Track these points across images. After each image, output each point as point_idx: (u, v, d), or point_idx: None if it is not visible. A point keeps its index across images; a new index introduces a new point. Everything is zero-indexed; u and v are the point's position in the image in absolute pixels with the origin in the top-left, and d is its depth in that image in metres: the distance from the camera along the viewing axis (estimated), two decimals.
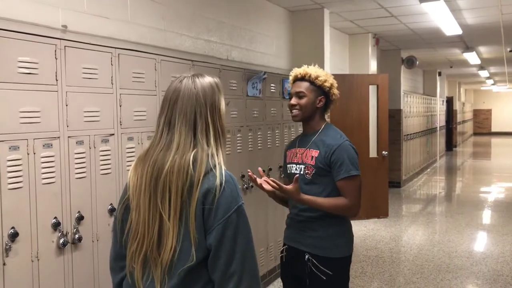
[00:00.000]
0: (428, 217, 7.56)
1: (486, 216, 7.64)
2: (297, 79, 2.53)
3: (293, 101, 2.49)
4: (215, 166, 1.48)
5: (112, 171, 2.78)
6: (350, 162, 2.38)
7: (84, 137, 2.61)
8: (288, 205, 2.60)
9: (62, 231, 2.47)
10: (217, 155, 1.52)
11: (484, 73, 15.13)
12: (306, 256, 2.43)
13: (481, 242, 6.12)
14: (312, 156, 2.44)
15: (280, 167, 4.76)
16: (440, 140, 15.40)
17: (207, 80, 1.58)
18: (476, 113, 29.10)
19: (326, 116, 2.63)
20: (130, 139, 2.91)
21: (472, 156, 17.53)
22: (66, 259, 2.50)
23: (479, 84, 22.92)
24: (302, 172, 2.47)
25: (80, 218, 2.56)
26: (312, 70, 2.51)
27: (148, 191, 1.48)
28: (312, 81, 2.48)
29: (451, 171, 13.45)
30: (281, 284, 2.80)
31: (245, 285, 1.44)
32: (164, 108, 1.54)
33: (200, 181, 1.45)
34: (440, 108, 15.35)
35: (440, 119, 15.54)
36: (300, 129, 2.75)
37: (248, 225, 1.49)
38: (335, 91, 2.53)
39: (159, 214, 1.46)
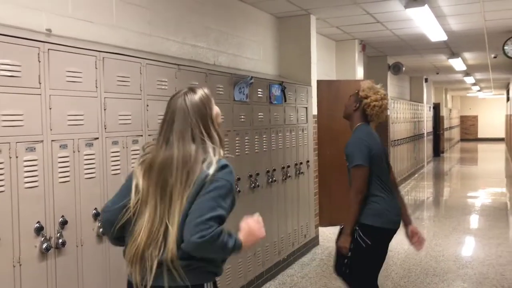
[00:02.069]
0: (415, 221, 7.53)
1: (473, 220, 7.70)
2: None
3: None
4: (210, 163, 1.74)
5: (97, 176, 2.76)
6: (351, 155, 3.01)
7: (68, 140, 2.59)
8: None
9: (45, 236, 2.44)
10: (214, 154, 1.76)
11: (469, 80, 15.32)
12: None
13: (467, 246, 6.16)
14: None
15: (268, 171, 4.77)
16: (427, 146, 15.53)
17: (197, 96, 1.82)
18: (463, 119, 29.40)
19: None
20: (115, 143, 2.89)
21: (459, 162, 17.69)
22: (49, 264, 2.46)
23: (465, 91, 23.19)
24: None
25: (64, 223, 2.54)
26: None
27: (155, 198, 1.72)
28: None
29: (438, 176, 13.55)
30: None
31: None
32: (164, 128, 1.81)
33: (198, 176, 1.71)
34: (427, 114, 15.49)
35: (427, 125, 15.67)
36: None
37: (228, 197, 1.72)
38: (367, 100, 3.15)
39: (165, 221, 1.69)
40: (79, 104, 2.66)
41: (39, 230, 2.41)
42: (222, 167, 1.73)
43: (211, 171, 1.70)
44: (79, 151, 2.65)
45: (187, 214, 1.67)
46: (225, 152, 1.85)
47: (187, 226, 1.63)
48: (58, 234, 2.50)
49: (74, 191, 2.62)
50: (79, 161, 2.65)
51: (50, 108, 2.48)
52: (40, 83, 2.44)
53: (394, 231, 3.06)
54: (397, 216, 3.08)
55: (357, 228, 2.97)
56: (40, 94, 2.44)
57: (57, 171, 2.52)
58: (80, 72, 2.67)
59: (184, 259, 1.68)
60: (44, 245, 2.42)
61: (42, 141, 2.44)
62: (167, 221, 1.69)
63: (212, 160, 1.74)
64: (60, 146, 2.54)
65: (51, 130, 2.49)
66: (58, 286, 2.51)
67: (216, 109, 1.87)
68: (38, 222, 2.41)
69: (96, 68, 2.77)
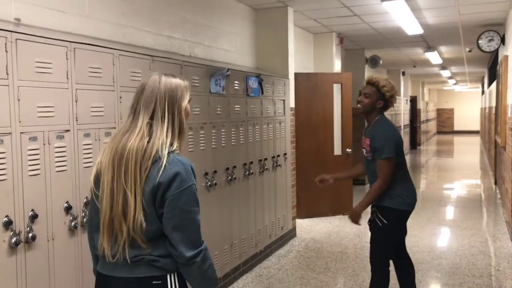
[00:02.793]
0: None
1: (447, 211, 7.84)
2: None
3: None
4: (163, 156, 1.65)
5: (68, 169, 2.71)
6: (381, 148, 3.26)
7: (38, 133, 2.53)
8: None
9: (15, 230, 2.38)
10: (171, 144, 1.69)
11: (446, 73, 15.54)
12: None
13: (441, 237, 6.27)
14: (368, 144, 3.38)
15: (245, 164, 4.76)
16: (404, 139, 15.72)
17: (174, 79, 1.77)
18: (440, 112, 29.86)
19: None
20: (87, 135, 2.84)
21: (435, 154, 17.96)
22: (19, 259, 2.42)
23: (441, 84, 23.54)
24: (367, 154, 3.44)
25: (34, 217, 2.48)
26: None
27: (112, 168, 1.68)
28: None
29: (415, 169, 13.73)
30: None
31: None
32: (133, 99, 1.77)
33: (148, 168, 1.65)
34: (404, 107, 15.68)
35: (404, 118, 15.87)
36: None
37: (194, 201, 1.69)
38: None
39: (123, 189, 1.65)
40: (49, 95, 2.60)
41: (7, 224, 2.36)
42: (175, 175, 1.64)
43: (163, 178, 1.63)
44: (49, 144, 2.59)
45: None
46: (183, 144, 1.78)
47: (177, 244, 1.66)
48: (28, 228, 2.45)
49: (45, 185, 2.57)
50: (49, 153, 2.59)
51: (18, 100, 2.42)
52: (7, 74, 2.37)
53: (408, 212, 3.43)
54: (412, 199, 3.42)
55: (375, 209, 3.38)
56: (7, 85, 2.38)
57: (27, 164, 2.47)
58: (50, 63, 2.61)
59: (144, 247, 1.67)
60: (13, 240, 2.36)
61: (10, 133, 2.38)
62: (124, 186, 1.65)
63: (163, 156, 1.65)
64: (29, 139, 2.48)
65: (20, 122, 2.43)
66: (29, 281, 2.47)
67: (188, 105, 1.79)
68: (7, 216, 2.36)
69: (67, 59, 2.71)
